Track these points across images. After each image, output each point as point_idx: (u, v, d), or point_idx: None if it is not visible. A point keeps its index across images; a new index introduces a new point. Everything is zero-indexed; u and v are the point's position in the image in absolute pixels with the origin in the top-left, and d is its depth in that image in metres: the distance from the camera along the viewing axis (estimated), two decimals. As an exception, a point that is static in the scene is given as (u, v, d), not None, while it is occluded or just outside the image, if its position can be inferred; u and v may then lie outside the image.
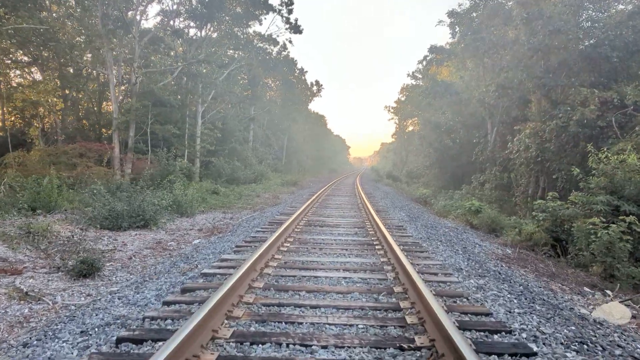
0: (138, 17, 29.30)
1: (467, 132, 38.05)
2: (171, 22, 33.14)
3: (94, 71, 33.02)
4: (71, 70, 31.65)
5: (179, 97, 32.51)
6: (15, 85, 28.40)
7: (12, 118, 28.27)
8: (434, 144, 41.36)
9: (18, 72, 30.28)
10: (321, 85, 58.94)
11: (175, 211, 15.85)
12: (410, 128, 59.37)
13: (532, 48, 25.12)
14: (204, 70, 33.29)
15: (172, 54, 33.14)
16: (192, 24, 33.21)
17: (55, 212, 14.44)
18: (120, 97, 31.34)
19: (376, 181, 47.43)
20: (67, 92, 32.67)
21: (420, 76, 50.95)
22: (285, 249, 8.02)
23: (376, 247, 8.38)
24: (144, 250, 10.29)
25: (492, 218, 16.13)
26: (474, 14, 30.60)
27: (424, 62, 33.76)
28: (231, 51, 38.82)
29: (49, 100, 25.96)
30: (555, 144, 22.29)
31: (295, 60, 50.98)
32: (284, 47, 45.97)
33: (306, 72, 53.70)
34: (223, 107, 35.69)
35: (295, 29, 33.61)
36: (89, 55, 32.87)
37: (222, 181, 28.62)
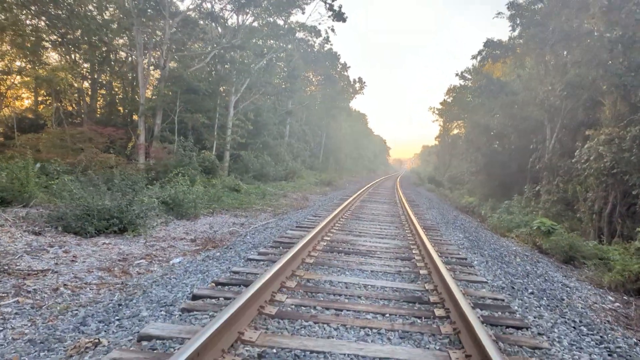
0: (169, -5, 26.17)
1: (519, 137, 33.68)
2: (207, 5, 30.06)
3: (130, 56, 30.41)
4: (102, 53, 29.20)
5: (211, 84, 29.41)
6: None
7: (26, 95, 25.90)
8: (482, 148, 37.06)
9: (54, 54, 27.95)
10: (364, 82, 55.10)
11: (174, 212, 12.53)
12: (455, 131, 54.85)
13: (611, 41, 20.78)
14: (240, 58, 30.10)
15: (206, 38, 30.00)
16: (228, 6, 30.01)
17: (32, 206, 11.38)
18: (155, 82, 28.49)
19: (417, 185, 43.31)
20: (95, 75, 30.25)
21: (469, 77, 46.52)
22: (274, 310, 4.31)
23: (436, 311, 4.64)
24: (91, 274, 6.92)
25: (570, 243, 12.21)
26: (539, 5, 26.23)
27: (478, 58, 29.61)
28: (271, 41, 35.46)
29: (66, 79, 23.13)
30: (637, 154, 18.03)
31: (338, 55, 47.37)
32: (327, 39, 42.44)
33: (349, 67, 50.08)
34: (258, 98, 32.42)
35: (339, 16, 29.97)
36: (123, 38, 30.50)
37: (248, 177, 25.31)
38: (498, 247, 10.42)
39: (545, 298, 5.96)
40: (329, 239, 8.30)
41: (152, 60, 27.60)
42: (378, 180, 42.98)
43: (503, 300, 5.20)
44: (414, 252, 7.69)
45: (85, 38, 26.12)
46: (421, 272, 6.20)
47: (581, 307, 6.42)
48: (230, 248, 8.33)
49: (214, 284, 5.14)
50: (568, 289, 7.69)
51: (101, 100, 32.87)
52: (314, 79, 48.83)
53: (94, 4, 24.96)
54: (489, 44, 28.74)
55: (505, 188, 35.55)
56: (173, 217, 12.39)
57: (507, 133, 35.45)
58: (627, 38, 20.59)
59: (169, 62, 27.41)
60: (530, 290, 6.17)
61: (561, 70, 26.03)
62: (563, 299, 6.56)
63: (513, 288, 6.04)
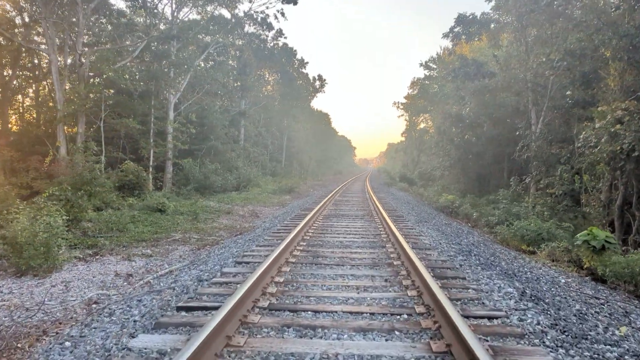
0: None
1: (494, 125, 29.42)
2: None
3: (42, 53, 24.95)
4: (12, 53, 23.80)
5: (143, 83, 23.95)
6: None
7: None
8: (454, 140, 32.52)
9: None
10: (324, 80, 49.87)
11: (13, 264, 7.26)
12: (422, 125, 50.33)
13: (617, -6, 16.49)
14: (176, 52, 24.66)
15: (135, 30, 24.42)
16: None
17: None
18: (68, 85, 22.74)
19: (389, 185, 38.35)
20: (7, 80, 24.70)
21: (434, 66, 42.12)
22: None
23: None
24: None
25: (647, 267, 7.49)
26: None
27: (450, 36, 24.94)
28: (218, 37, 30.03)
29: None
30: (666, 131, 13.66)
31: (295, 50, 42.20)
32: (280, 32, 37.29)
33: (307, 63, 44.74)
34: (203, 98, 26.92)
35: (288, -3, 24.89)
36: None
37: (188, 189, 19.93)
38: (558, 289, 5.48)
39: None
40: (251, 330, 3.12)
41: (75, 59, 21.94)
42: (346, 182, 37.90)
43: None
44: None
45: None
46: None
47: None
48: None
49: None
50: None
51: (23, 111, 27.34)
52: (270, 78, 43.49)
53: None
54: (461, 19, 24.05)
55: (482, 182, 31.34)
56: (11, 272, 7.12)
57: (480, 122, 31.11)
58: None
59: (86, 57, 21.94)
60: None
61: (545, 42, 21.70)
62: None
63: None
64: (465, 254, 7.28)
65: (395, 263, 6.11)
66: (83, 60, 21.10)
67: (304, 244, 7.67)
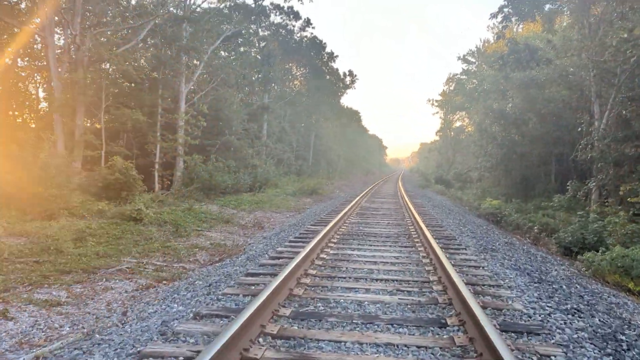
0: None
1: (541, 123, 25.13)
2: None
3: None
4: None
5: (150, 70, 20.83)
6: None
7: None
8: (497, 138, 28.32)
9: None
10: (355, 75, 45.99)
11: None
12: (458, 124, 45.88)
13: None
14: (186, 34, 21.38)
15: (143, 13, 21.23)
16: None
17: None
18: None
19: (423, 187, 34.16)
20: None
21: (473, 60, 37.83)
22: None
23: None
24: None
25: None
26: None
27: (499, 17, 20.87)
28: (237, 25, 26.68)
29: None
30: None
31: (324, 43, 38.47)
32: (308, 22, 33.78)
33: (336, 56, 40.87)
34: (221, 89, 23.57)
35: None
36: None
37: (189, 190, 16.59)
38: None
39: None
40: None
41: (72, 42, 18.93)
42: (376, 183, 33.94)
43: None
44: None
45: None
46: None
47: None
48: None
49: None
50: None
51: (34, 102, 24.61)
52: (297, 72, 39.93)
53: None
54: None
55: (526, 185, 27.08)
56: None
57: (525, 119, 26.83)
58: None
59: (90, 41, 18.99)
60: None
61: (612, 23, 17.65)
62: None
63: None
64: (614, 349, 3.47)
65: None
66: (80, 42, 18.06)
67: (289, 311, 3.98)
